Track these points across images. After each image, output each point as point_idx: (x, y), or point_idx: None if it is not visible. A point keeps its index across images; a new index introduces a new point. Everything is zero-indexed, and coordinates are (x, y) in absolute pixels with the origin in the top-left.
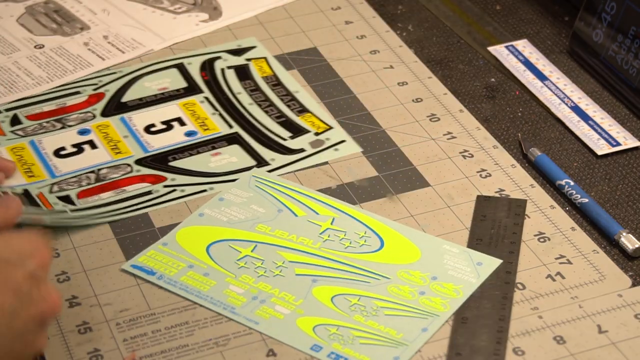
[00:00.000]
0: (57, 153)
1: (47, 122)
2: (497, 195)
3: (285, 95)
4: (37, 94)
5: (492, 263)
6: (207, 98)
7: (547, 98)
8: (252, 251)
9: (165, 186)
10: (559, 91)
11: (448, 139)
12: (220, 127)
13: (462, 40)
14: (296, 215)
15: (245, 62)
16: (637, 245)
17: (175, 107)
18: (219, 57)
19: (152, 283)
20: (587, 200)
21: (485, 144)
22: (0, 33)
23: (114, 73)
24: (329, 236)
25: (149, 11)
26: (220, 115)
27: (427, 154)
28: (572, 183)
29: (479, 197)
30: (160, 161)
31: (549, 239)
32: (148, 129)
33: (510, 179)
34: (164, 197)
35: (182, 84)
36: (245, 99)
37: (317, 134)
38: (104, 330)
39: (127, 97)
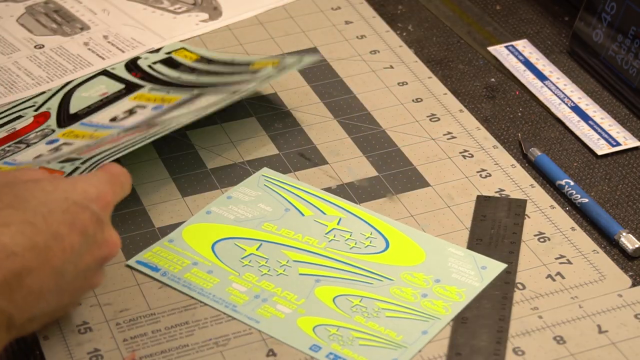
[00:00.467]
0: (38, 157)
1: (9, 146)
2: (497, 195)
3: (225, 64)
4: None
5: (496, 267)
6: (153, 88)
7: (547, 98)
8: (257, 250)
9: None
10: (559, 91)
11: (448, 139)
12: (181, 95)
13: (462, 40)
14: (303, 215)
15: (167, 55)
16: (637, 245)
17: (127, 102)
18: (138, 57)
19: (156, 279)
20: (587, 200)
21: (485, 144)
22: (0, 33)
23: (44, 93)
24: (334, 236)
25: (149, 11)
26: (174, 91)
27: (427, 154)
28: (572, 183)
29: (479, 197)
30: (144, 124)
31: (549, 239)
32: (113, 120)
33: (510, 179)
34: (165, 128)
35: (119, 86)
36: (188, 77)
37: (275, 66)
38: (104, 330)
39: (74, 108)
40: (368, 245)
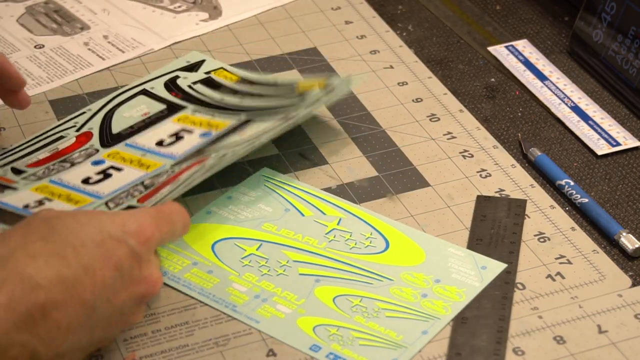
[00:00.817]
0: (86, 182)
1: (53, 164)
2: (497, 195)
3: (268, 86)
4: (15, 147)
5: (496, 267)
6: (196, 110)
7: (547, 98)
8: (257, 250)
9: (215, 157)
10: (559, 91)
11: (448, 139)
12: (230, 120)
13: (462, 40)
14: (303, 215)
15: (206, 76)
16: (637, 245)
17: (171, 124)
18: (177, 77)
19: None
20: (587, 200)
21: (485, 144)
22: (0, 33)
23: (84, 113)
24: (334, 236)
25: (149, 10)
26: (220, 115)
27: (427, 154)
28: (572, 183)
29: (479, 197)
30: (196, 153)
31: (549, 239)
32: (160, 144)
33: (510, 179)
34: (218, 164)
35: (160, 106)
36: (232, 99)
37: (322, 88)
38: None
39: (116, 128)
40: (368, 246)
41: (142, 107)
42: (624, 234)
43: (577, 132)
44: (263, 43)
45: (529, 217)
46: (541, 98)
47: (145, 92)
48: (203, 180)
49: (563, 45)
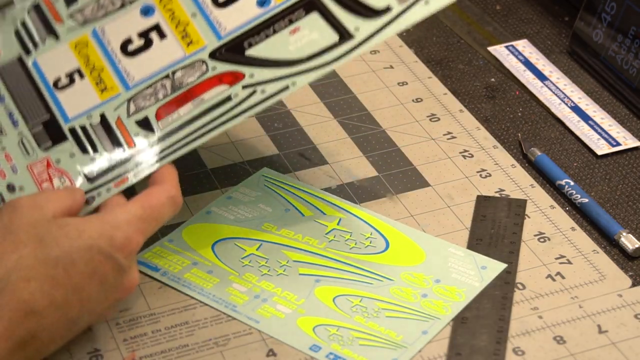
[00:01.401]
0: (125, 49)
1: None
2: (497, 195)
3: None
4: None
5: (496, 267)
6: None
7: (547, 98)
8: (257, 250)
9: (245, 86)
10: (559, 91)
11: (448, 139)
12: None
13: (462, 40)
14: (303, 215)
15: None
16: (637, 245)
17: None
18: None
19: (156, 279)
20: (587, 200)
21: (485, 144)
22: None
23: None
24: (334, 236)
25: None
26: None
27: (427, 154)
28: (572, 183)
29: (479, 197)
30: (236, 50)
31: (549, 239)
32: (215, 1)
33: (510, 179)
34: (245, 103)
35: None
36: None
37: None
38: (103, 330)
39: None
40: (368, 246)
41: None
42: (624, 234)
43: (577, 132)
44: None
45: (529, 217)
46: (541, 98)
47: None
48: (203, 181)
49: (563, 45)
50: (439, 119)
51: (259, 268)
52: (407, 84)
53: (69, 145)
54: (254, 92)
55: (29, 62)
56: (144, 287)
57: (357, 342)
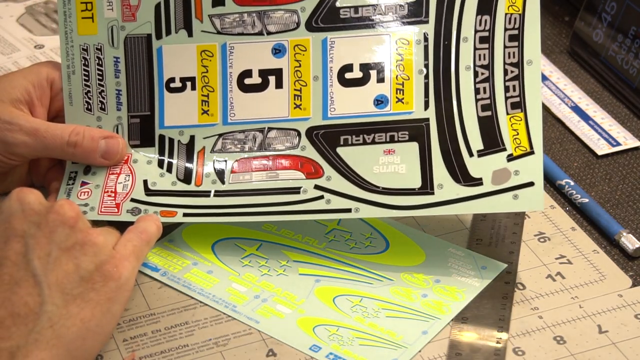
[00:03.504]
0: (241, 80)
1: (249, 15)
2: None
3: (513, 65)
4: None
5: (496, 267)
6: (426, 36)
7: (547, 98)
8: (257, 250)
9: (317, 186)
10: (559, 91)
11: None
12: (415, 102)
13: None
14: None
15: None
16: (637, 245)
17: (386, 40)
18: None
19: (156, 279)
20: (587, 200)
21: None
22: (0, 33)
23: None
24: (334, 236)
25: None
26: (426, 77)
27: None
28: (572, 183)
29: None
30: (330, 140)
31: (549, 239)
32: (342, 74)
33: None
34: (308, 204)
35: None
36: (465, 53)
37: (510, 157)
38: None
39: (344, 2)
40: (368, 246)
41: None
42: (624, 234)
43: (577, 132)
44: None
45: (529, 217)
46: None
47: None
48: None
49: (563, 45)
50: None
51: (259, 268)
52: None
53: (152, 151)
54: (321, 197)
55: (155, 46)
56: (143, 287)
57: (357, 342)
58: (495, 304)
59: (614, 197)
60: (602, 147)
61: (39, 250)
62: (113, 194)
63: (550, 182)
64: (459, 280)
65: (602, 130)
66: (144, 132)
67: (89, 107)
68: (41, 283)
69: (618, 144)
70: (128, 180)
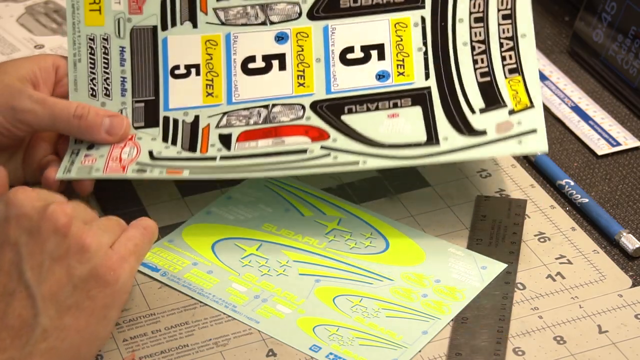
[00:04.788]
0: (245, 65)
1: (252, 7)
2: (497, 195)
3: (508, 39)
4: None
5: (496, 267)
6: (423, 18)
7: (547, 98)
8: (257, 250)
9: (323, 147)
10: (559, 91)
11: None
12: (416, 74)
13: None
14: (303, 215)
15: None
16: (637, 245)
17: (385, 25)
18: None
19: (156, 279)
20: (587, 200)
21: None
22: (0, 33)
23: None
24: (334, 236)
25: None
26: (425, 54)
27: None
28: (572, 183)
29: (479, 197)
30: (335, 110)
31: (549, 239)
32: (344, 55)
33: (510, 179)
34: (315, 161)
35: None
36: (462, 32)
37: (512, 112)
38: None
39: None
40: (368, 246)
41: None
42: (624, 234)
43: (577, 132)
44: None
45: (529, 217)
46: None
47: None
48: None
49: (563, 45)
50: None
51: (259, 268)
52: None
53: (156, 131)
54: (327, 154)
55: (160, 37)
56: (143, 287)
57: (357, 342)
58: (495, 304)
59: (614, 197)
60: (602, 147)
61: (31, 261)
62: (118, 160)
63: (550, 182)
64: (459, 280)
65: (602, 130)
66: (148, 115)
67: (94, 93)
68: (35, 295)
69: (618, 144)
70: (133, 150)
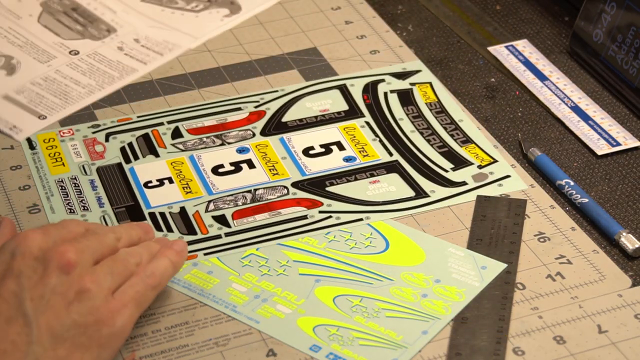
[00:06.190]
0: (215, 170)
1: (208, 137)
2: (497, 195)
3: (449, 124)
4: (197, 105)
5: (496, 267)
6: (368, 123)
7: (547, 98)
8: (257, 250)
9: (321, 212)
10: (559, 91)
11: None
12: (380, 154)
13: (462, 40)
14: None
15: (409, 87)
16: (637, 245)
17: (335, 131)
18: (382, 80)
19: None
20: (587, 200)
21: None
22: (28, 37)
23: (276, 91)
24: (334, 237)
25: (167, 12)
26: (381, 141)
27: None
28: (572, 183)
29: (479, 197)
30: (317, 185)
31: (549, 239)
32: (307, 152)
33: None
34: (318, 224)
35: (343, 106)
36: (407, 125)
37: (480, 166)
38: None
39: (288, 116)
40: (368, 246)
41: (327, 102)
42: (624, 234)
43: (577, 132)
44: (263, 43)
45: (529, 217)
46: (541, 98)
47: (342, 88)
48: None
49: (563, 45)
50: None
51: (259, 268)
52: None
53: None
54: (329, 216)
55: (127, 168)
56: None
57: (357, 342)
58: (495, 304)
59: (614, 197)
60: (602, 147)
61: (32, 292)
62: None
63: (550, 182)
64: (459, 280)
65: (602, 130)
66: (132, 214)
67: (72, 210)
68: (31, 324)
69: (618, 144)
70: None
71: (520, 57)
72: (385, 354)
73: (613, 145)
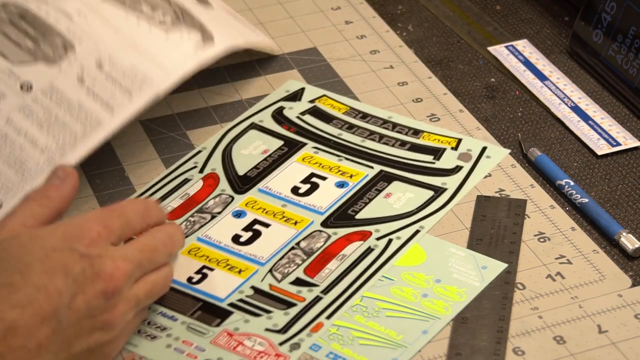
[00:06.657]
0: (237, 241)
1: (192, 216)
2: (497, 195)
3: (385, 124)
4: (144, 191)
5: (497, 267)
6: (317, 147)
7: (547, 98)
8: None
9: (378, 238)
10: (559, 91)
11: None
12: (361, 170)
13: (462, 40)
14: None
15: (313, 105)
16: (637, 245)
17: (297, 165)
18: (282, 107)
19: None
20: (587, 200)
21: None
22: None
23: (200, 152)
24: None
25: (132, 21)
26: (347, 159)
27: None
28: (572, 183)
29: (479, 197)
30: (345, 217)
31: (549, 239)
32: (296, 192)
33: (510, 179)
34: (387, 251)
35: (277, 142)
36: (351, 137)
37: (454, 148)
38: None
39: (241, 169)
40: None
41: (259, 144)
42: (624, 234)
43: (577, 132)
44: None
45: (529, 217)
46: (541, 98)
47: (255, 126)
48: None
49: (563, 45)
50: (439, 119)
51: None
52: (407, 84)
53: (239, 315)
54: (390, 240)
55: None
56: None
57: (357, 341)
58: (495, 304)
59: (614, 197)
60: (602, 147)
61: (73, 302)
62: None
63: (550, 182)
64: (459, 280)
65: (602, 130)
66: (214, 313)
67: None
68: (58, 333)
69: (618, 144)
70: (254, 339)
71: (520, 57)
72: (385, 353)
73: (613, 145)
